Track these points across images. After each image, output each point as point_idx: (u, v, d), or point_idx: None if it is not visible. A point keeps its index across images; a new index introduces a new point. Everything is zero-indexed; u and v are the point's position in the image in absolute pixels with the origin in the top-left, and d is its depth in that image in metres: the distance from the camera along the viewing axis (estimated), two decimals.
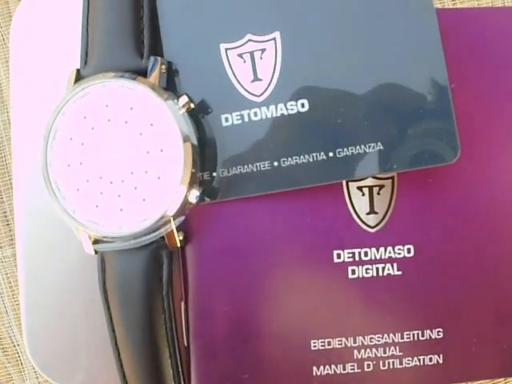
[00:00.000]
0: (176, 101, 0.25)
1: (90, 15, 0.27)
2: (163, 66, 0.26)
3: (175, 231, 0.25)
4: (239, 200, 0.26)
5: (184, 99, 0.25)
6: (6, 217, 0.37)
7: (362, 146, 0.24)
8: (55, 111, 0.26)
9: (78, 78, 0.26)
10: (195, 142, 0.25)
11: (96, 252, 0.26)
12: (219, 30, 0.26)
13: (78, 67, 0.26)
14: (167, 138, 0.25)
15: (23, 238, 0.28)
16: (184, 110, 0.25)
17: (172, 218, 0.25)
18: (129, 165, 0.25)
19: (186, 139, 0.25)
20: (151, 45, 0.26)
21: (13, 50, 0.28)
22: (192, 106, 0.25)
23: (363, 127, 0.24)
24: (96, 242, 0.26)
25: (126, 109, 0.25)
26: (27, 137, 0.28)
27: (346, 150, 0.24)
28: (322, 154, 0.25)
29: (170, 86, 0.26)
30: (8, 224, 0.37)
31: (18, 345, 0.37)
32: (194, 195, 0.25)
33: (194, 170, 0.25)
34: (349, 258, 0.26)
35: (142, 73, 0.26)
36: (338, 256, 0.26)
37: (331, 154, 0.25)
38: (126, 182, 0.25)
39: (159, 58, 0.26)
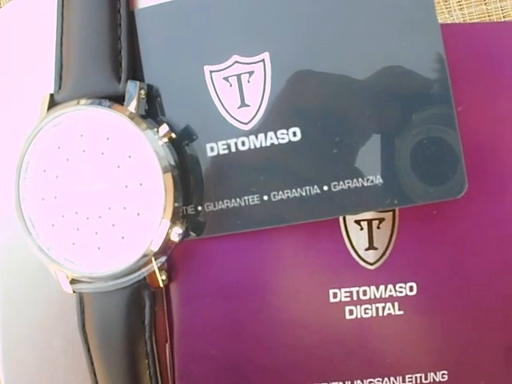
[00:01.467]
0: (156, 130, 0.22)
1: (64, 34, 0.24)
2: (142, 91, 0.23)
3: (157, 271, 0.23)
4: (227, 236, 0.23)
5: (164, 128, 0.23)
6: None
7: (360, 180, 0.22)
8: (27, 141, 0.23)
9: (52, 103, 0.24)
10: (177, 174, 0.22)
11: (74, 291, 0.24)
12: (203, 51, 0.23)
13: (52, 92, 0.24)
14: (146, 171, 0.22)
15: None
16: (165, 139, 0.22)
17: (154, 258, 0.23)
18: (106, 199, 0.22)
19: (166, 171, 0.22)
20: (129, 67, 0.23)
21: None
22: (173, 135, 0.23)
23: (361, 159, 0.22)
24: (74, 281, 0.24)
25: (102, 139, 0.23)
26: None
27: (342, 183, 0.22)
28: (316, 187, 0.22)
29: (151, 111, 0.23)
30: None
31: None
32: (177, 232, 0.23)
33: (176, 205, 0.22)
34: (346, 297, 0.23)
35: (119, 98, 0.23)
36: (335, 295, 0.23)
37: (326, 188, 0.22)
38: (104, 218, 0.23)
39: (138, 83, 0.23)
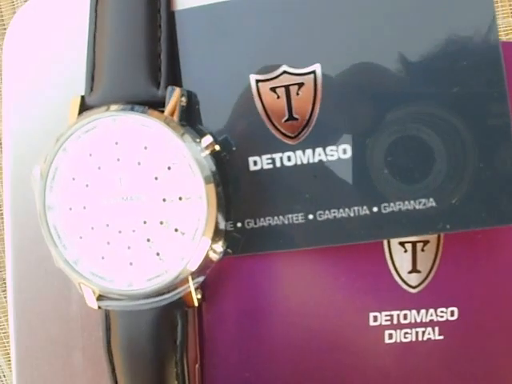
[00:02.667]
0: (198, 141, 0.21)
1: (97, 32, 0.22)
2: (183, 98, 0.21)
3: (193, 291, 0.21)
4: (265, 254, 0.22)
5: (208, 139, 0.21)
6: None
7: (412, 202, 0.20)
8: (55, 146, 0.21)
9: (83, 106, 0.22)
10: (220, 189, 0.21)
11: (99, 307, 0.22)
12: (249, 59, 0.21)
13: (83, 94, 0.22)
14: (187, 184, 0.20)
15: (15, 291, 0.23)
16: (207, 152, 0.21)
17: (191, 277, 0.21)
18: (141, 213, 0.21)
19: (209, 185, 0.20)
20: (169, 72, 0.21)
21: (5, 66, 0.24)
22: (217, 147, 0.21)
23: (414, 180, 0.20)
24: (101, 297, 0.22)
25: (139, 148, 0.21)
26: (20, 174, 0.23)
27: (392, 205, 0.21)
28: (365, 208, 0.21)
29: (190, 121, 0.21)
30: None
31: None
32: (217, 250, 0.21)
33: (218, 221, 0.21)
34: (386, 321, 0.22)
35: (157, 105, 0.21)
36: (375, 319, 0.22)
37: (375, 209, 0.21)
38: (138, 232, 0.21)
39: (178, 89, 0.21)
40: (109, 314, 0.22)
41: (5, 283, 0.32)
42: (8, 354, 0.32)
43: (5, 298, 0.32)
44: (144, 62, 0.21)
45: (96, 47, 0.22)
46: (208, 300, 0.22)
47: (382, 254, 0.22)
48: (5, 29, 0.29)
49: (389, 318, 0.22)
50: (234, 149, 0.21)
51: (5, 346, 0.32)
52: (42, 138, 0.23)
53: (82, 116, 0.21)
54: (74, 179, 0.21)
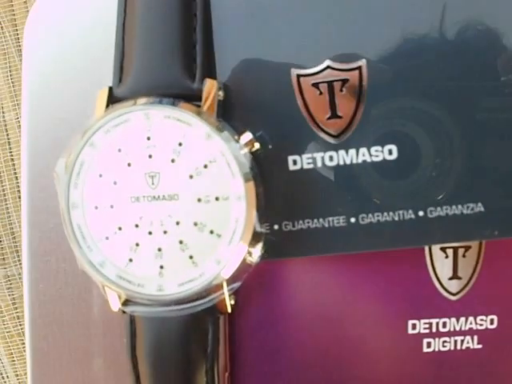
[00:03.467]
0: (237, 138, 0.19)
1: (127, 20, 0.21)
2: (220, 92, 0.20)
3: (227, 298, 0.20)
4: (300, 259, 0.20)
5: (247, 136, 0.19)
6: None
7: (459, 206, 0.19)
8: (82, 140, 0.20)
9: (111, 98, 0.20)
10: (260, 191, 0.19)
11: (124, 312, 0.21)
12: (290, 52, 0.20)
13: (111, 85, 0.20)
14: (225, 184, 0.19)
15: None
16: (246, 149, 0.19)
17: (226, 283, 0.20)
18: (174, 213, 0.19)
19: (249, 186, 0.19)
20: (205, 63, 0.20)
21: (25, 54, 0.22)
22: (257, 145, 0.20)
23: (463, 184, 0.19)
24: (127, 302, 0.20)
25: (174, 144, 0.19)
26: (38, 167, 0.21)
27: (439, 209, 0.19)
28: (411, 212, 0.20)
29: (225, 116, 0.20)
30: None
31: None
32: (255, 255, 0.20)
33: (257, 224, 0.19)
34: (425, 329, 0.21)
35: (192, 99, 0.20)
36: (413, 327, 0.21)
37: (421, 214, 0.19)
38: (170, 233, 0.19)
39: (215, 82, 0.20)
40: (134, 319, 0.21)
41: (9, 280, 0.31)
42: (12, 353, 0.31)
43: (9, 295, 0.31)
44: (179, 52, 0.20)
45: (125, 35, 0.20)
46: (240, 305, 0.21)
47: (423, 260, 0.21)
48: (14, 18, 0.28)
49: (428, 325, 0.21)
50: (270, 147, 0.20)
51: (9, 346, 0.30)
52: (62, 131, 0.21)
53: (110, 108, 0.20)
54: (101, 176, 0.20)
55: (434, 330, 0.21)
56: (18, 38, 0.29)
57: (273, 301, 0.21)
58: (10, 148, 0.31)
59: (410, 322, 0.21)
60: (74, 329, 0.21)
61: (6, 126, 0.30)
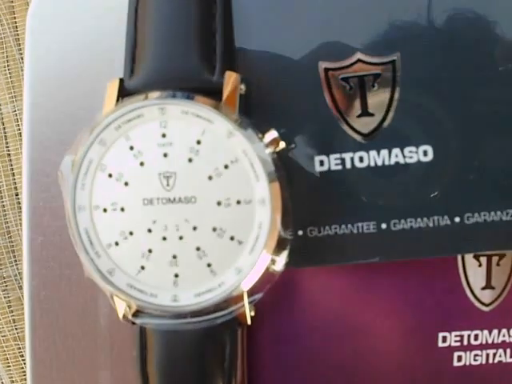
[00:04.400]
0: (260, 136, 0.18)
1: (140, 4, 0.19)
2: (242, 86, 0.18)
3: (248, 309, 0.18)
4: (326, 267, 0.19)
5: (272, 134, 0.18)
6: None
7: (498, 212, 0.18)
8: (90, 137, 0.18)
9: (122, 91, 0.18)
10: (286, 194, 0.18)
11: (133, 323, 0.19)
12: (319, 43, 0.18)
13: (121, 76, 0.19)
14: (247, 186, 0.17)
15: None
16: (271, 149, 0.18)
17: (246, 293, 0.18)
18: (191, 217, 0.17)
19: (274, 188, 0.17)
20: (226, 54, 0.18)
21: (28, 43, 0.20)
22: (282, 144, 0.18)
23: (502, 188, 0.18)
24: (138, 312, 0.19)
25: (191, 142, 0.17)
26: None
27: (477, 215, 0.18)
28: (446, 218, 0.18)
29: (246, 113, 0.18)
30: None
31: None
32: (280, 263, 0.18)
33: (282, 229, 0.18)
34: (456, 341, 0.20)
35: (212, 92, 0.18)
36: (444, 339, 0.20)
37: (457, 220, 0.18)
38: (186, 239, 0.18)
39: (237, 75, 0.18)
40: (145, 331, 0.19)
41: (5, 282, 0.29)
42: (7, 358, 0.29)
43: (5, 297, 0.29)
44: (197, 40, 0.18)
45: (138, 22, 0.18)
46: (259, 317, 0.19)
47: (456, 269, 0.19)
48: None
49: (459, 338, 0.20)
50: (299, 147, 0.18)
51: (4, 351, 0.28)
52: (67, 126, 0.20)
53: (121, 102, 0.18)
54: (110, 176, 0.18)
55: (465, 342, 0.20)
56: (17, 26, 0.27)
57: (293, 311, 0.19)
58: (7, 142, 0.28)
59: (441, 335, 0.19)
60: (78, 340, 0.20)
61: (2, 119, 0.28)
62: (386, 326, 0.19)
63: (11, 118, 0.28)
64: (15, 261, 0.29)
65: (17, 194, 0.28)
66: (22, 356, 0.28)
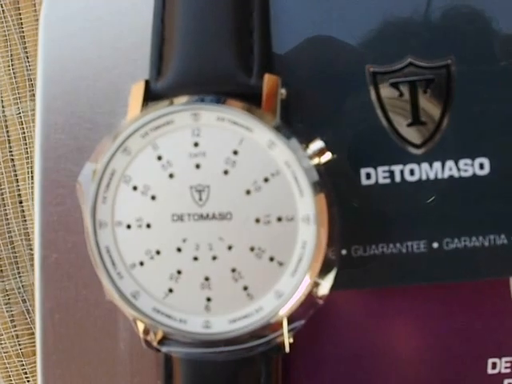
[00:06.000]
0: (304, 146, 0.16)
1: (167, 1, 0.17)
2: (283, 91, 0.16)
3: (286, 337, 0.16)
4: (370, 289, 0.17)
5: (318, 144, 0.16)
6: None
7: None
8: (113, 145, 0.16)
9: (149, 95, 0.16)
10: (333, 210, 0.16)
11: (159, 350, 0.17)
12: (366, 45, 0.16)
13: (147, 78, 0.16)
14: (290, 202, 0.15)
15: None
16: (317, 160, 0.16)
17: (286, 320, 0.16)
18: (226, 236, 0.15)
19: (320, 204, 0.15)
20: (265, 55, 0.16)
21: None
22: (329, 155, 0.16)
23: None
24: (164, 339, 0.16)
25: (228, 153, 0.15)
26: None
27: None
28: (503, 237, 0.16)
29: (287, 121, 0.16)
30: None
31: None
32: (325, 287, 0.16)
33: (329, 250, 0.16)
34: (506, 368, 0.18)
35: (248, 97, 0.16)
36: (493, 366, 0.18)
37: None
38: (220, 260, 0.15)
39: (277, 78, 0.16)
40: (171, 359, 0.17)
41: (8, 295, 0.26)
42: (9, 376, 0.27)
43: (7, 311, 0.26)
44: (233, 38, 0.16)
45: (165, 17, 0.16)
46: (298, 343, 0.17)
47: (507, 290, 0.18)
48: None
49: (509, 364, 0.18)
50: (343, 159, 0.16)
51: (6, 368, 0.26)
52: (85, 132, 0.17)
53: (148, 107, 0.16)
54: (135, 189, 0.16)
55: None
56: (22, 23, 0.25)
57: (333, 337, 0.17)
58: (10, 147, 0.26)
59: (490, 361, 0.18)
60: (96, 367, 0.17)
61: (6, 121, 0.25)
62: (432, 353, 0.17)
63: (15, 121, 0.26)
64: (18, 273, 0.26)
65: (21, 202, 0.26)
66: (26, 373, 0.26)
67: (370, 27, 0.16)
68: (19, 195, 0.26)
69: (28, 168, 0.25)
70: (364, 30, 0.16)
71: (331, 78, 0.16)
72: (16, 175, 0.26)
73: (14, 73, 0.26)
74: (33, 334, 0.26)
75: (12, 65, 0.26)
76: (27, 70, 0.25)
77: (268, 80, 0.16)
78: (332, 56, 0.16)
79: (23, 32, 0.26)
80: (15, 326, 0.27)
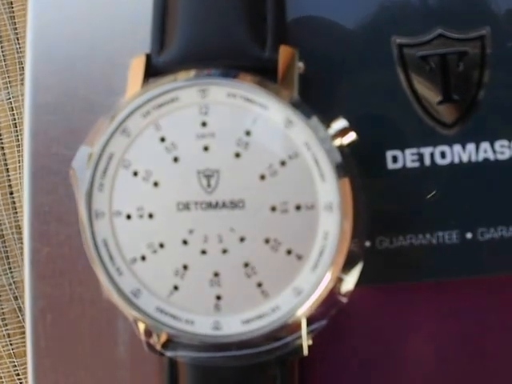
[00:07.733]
0: (326, 125, 0.14)
1: None
2: (300, 64, 0.14)
3: (305, 339, 0.14)
4: (396, 285, 0.15)
5: (341, 123, 0.14)
6: None
7: None
8: (110, 126, 0.14)
9: (150, 70, 0.14)
10: (359, 196, 0.14)
11: (162, 354, 0.15)
12: (390, 15, 0.14)
13: (148, 51, 0.14)
14: (310, 188, 0.14)
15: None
16: (340, 142, 0.14)
17: (305, 320, 0.14)
18: (238, 226, 0.14)
19: (344, 190, 0.13)
20: (280, 26, 0.14)
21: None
22: (353, 136, 0.14)
23: None
24: (169, 342, 0.15)
25: (239, 133, 0.13)
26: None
27: None
28: None
29: (306, 98, 0.14)
30: None
31: None
32: (348, 283, 0.14)
33: (353, 243, 0.14)
34: None
35: (262, 72, 0.14)
36: None
37: None
38: (232, 253, 0.14)
39: (294, 50, 0.14)
40: (176, 364, 0.15)
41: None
42: (0, 377, 0.25)
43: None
44: (244, 6, 0.14)
45: None
46: (316, 345, 0.15)
47: None
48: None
49: None
50: (368, 141, 0.14)
51: (0, 378, 0.24)
52: (78, 113, 0.15)
53: (150, 83, 0.14)
54: (136, 174, 0.14)
55: None
56: (11, 2, 0.23)
57: (354, 339, 0.15)
58: (0, 134, 0.24)
59: None
60: (93, 373, 0.16)
61: None
62: (468, 356, 0.16)
63: (5, 107, 0.24)
64: (9, 268, 0.24)
65: (11, 193, 0.24)
66: (18, 375, 0.24)
67: None
68: (9, 185, 0.24)
69: (19, 157, 0.23)
70: None
71: (353, 51, 0.14)
72: (6, 164, 0.24)
73: (3, 56, 0.24)
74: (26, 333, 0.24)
75: (1, 46, 0.23)
76: (17, 52, 0.23)
77: (284, 52, 0.14)
78: (353, 27, 0.14)
79: (13, 12, 0.23)
80: (6, 325, 0.25)
